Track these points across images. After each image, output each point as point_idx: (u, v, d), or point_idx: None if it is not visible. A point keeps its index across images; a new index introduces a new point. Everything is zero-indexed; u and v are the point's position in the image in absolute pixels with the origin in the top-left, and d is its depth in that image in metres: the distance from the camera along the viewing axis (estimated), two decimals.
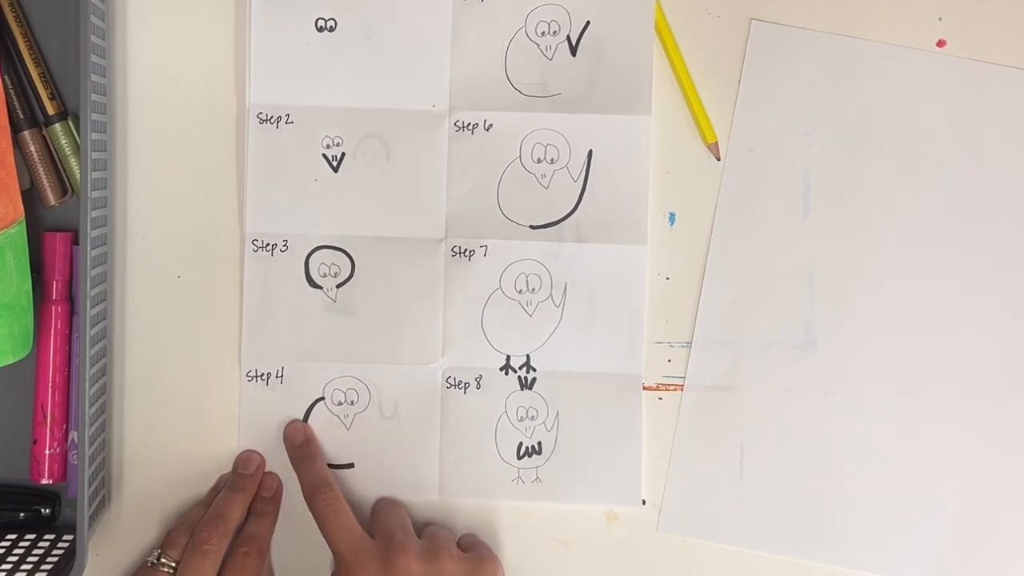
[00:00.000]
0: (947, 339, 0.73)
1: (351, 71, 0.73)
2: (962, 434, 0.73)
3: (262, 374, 0.74)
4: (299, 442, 0.73)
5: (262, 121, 0.73)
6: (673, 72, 0.73)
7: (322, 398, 0.74)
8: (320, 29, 0.73)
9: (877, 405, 0.73)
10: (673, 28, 0.73)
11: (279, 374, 0.74)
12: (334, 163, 0.73)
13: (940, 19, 0.74)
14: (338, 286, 0.74)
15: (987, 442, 0.73)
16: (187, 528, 0.69)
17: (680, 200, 0.74)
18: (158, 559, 0.68)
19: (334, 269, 0.74)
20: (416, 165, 0.73)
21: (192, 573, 0.67)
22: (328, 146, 0.73)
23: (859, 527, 0.73)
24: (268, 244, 0.73)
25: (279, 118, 0.73)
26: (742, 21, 0.74)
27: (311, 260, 0.74)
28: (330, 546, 0.69)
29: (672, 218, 0.74)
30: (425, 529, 0.72)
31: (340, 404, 0.74)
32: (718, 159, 0.74)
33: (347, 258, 0.74)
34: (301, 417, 0.74)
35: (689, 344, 0.74)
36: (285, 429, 0.73)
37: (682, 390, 0.74)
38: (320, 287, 0.74)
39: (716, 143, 0.73)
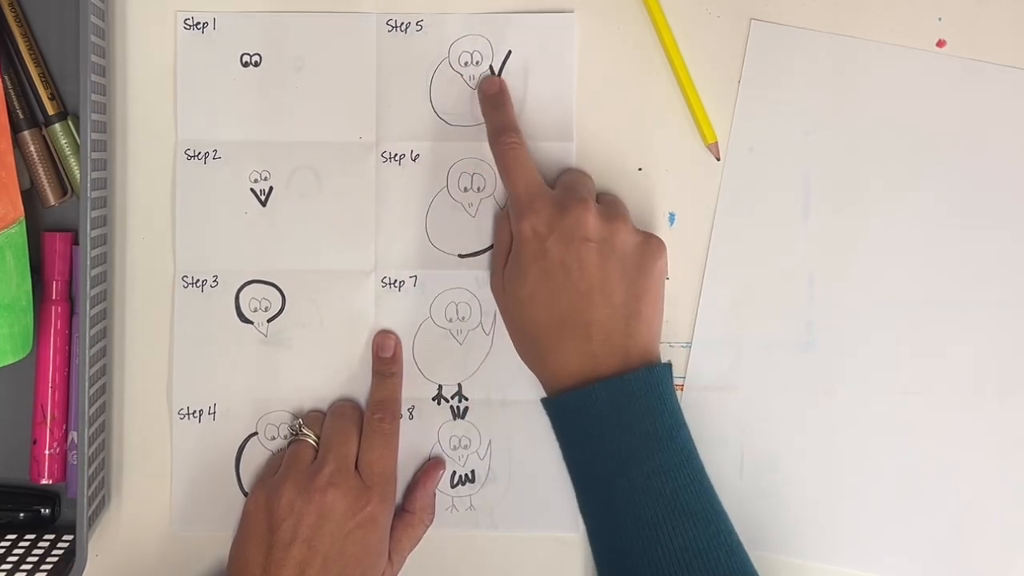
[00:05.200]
0: (947, 339, 0.73)
1: (277, 105, 0.73)
2: (962, 434, 0.73)
3: (194, 411, 0.73)
4: (494, 91, 0.73)
5: (190, 157, 0.73)
6: (673, 72, 0.73)
7: (255, 433, 0.74)
8: (245, 64, 0.73)
9: (877, 405, 0.73)
10: (673, 28, 0.73)
11: (211, 410, 0.73)
12: (262, 197, 0.73)
13: (940, 19, 0.74)
14: (269, 320, 0.74)
15: (988, 442, 0.73)
16: (321, 417, 0.73)
17: (680, 200, 0.74)
18: (300, 428, 0.72)
19: (264, 304, 0.74)
20: (345, 197, 0.73)
21: (377, 458, 0.70)
22: (256, 180, 0.73)
23: (859, 527, 0.73)
24: (198, 280, 0.73)
25: (206, 154, 0.73)
26: (742, 21, 0.74)
27: (241, 295, 0.74)
28: (508, 187, 0.71)
29: (672, 218, 0.74)
30: (600, 196, 0.72)
31: (274, 439, 0.74)
32: (718, 159, 0.74)
33: (278, 292, 0.74)
34: (234, 454, 0.73)
35: (689, 344, 0.74)
36: (481, 82, 0.73)
37: (682, 390, 0.74)
38: (251, 322, 0.74)
39: (716, 143, 0.73)
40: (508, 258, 0.71)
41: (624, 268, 0.68)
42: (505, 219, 0.72)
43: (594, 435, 0.67)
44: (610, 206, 0.71)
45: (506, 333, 0.73)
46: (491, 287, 0.73)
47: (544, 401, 0.70)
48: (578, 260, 0.67)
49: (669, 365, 0.69)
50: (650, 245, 0.69)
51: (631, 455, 0.66)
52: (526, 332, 0.70)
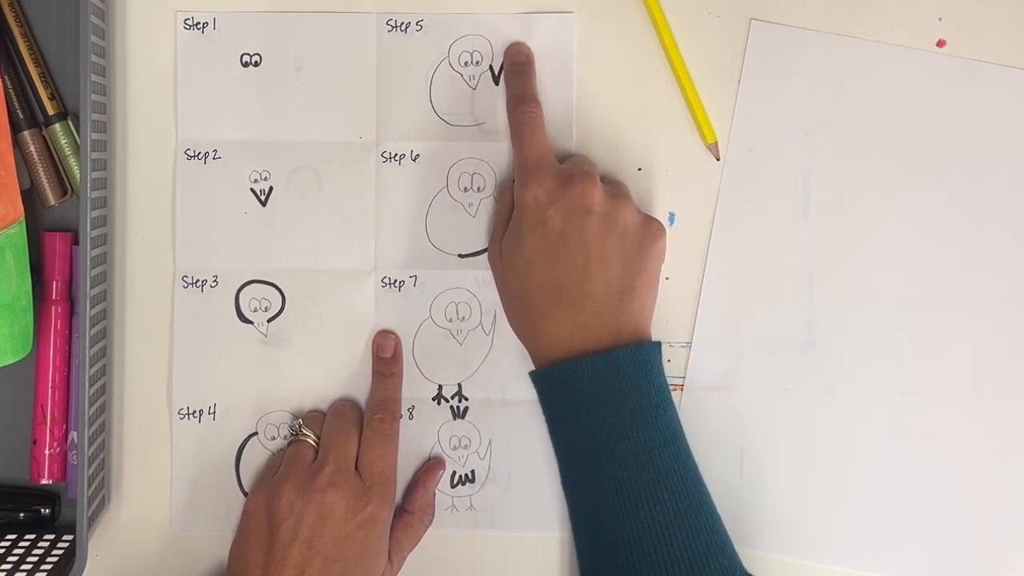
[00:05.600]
0: (947, 339, 0.73)
1: (277, 105, 0.73)
2: (962, 434, 0.73)
3: (194, 411, 0.73)
4: (521, 59, 0.73)
5: (190, 157, 0.73)
6: (673, 72, 0.73)
7: (255, 433, 0.74)
8: (245, 64, 0.73)
9: (877, 405, 0.73)
10: (673, 28, 0.73)
11: (211, 410, 0.73)
12: (262, 197, 0.73)
13: (940, 19, 0.74)
14: (269, 320, 0.74)
15: (988, 442, 0.73)
16: (321, 417, 0.73)
17: (680, 200, 0.74)
18: (300, 428, 0.72)
19: (264, 304, 0.74)
20: (344, 197, 0.73)
21: (377, 458, 0.70)
22: (255, 180, 0.73)
23: (859, 527, 0.73)
24: (198, 280, 0.73)
25: (206, 154, 0.73)
26: (742, 21, 0.74)
27: (241, 295, 0.74)
28: (517, 155, 0.71)
29: (672, 218, 0.74)
30: (604, 177, 0.72)
31: (274, 439, 0.74)
32: (718, 159, 0.74)
33: (277, 292, 0.74)
34: (234, 454, 0.73)
35: (689, 344, 0.74)
36: (509, 47, 0.73)
37: (682, 390, 0.74)
38: (251, 322, 0.74)
39: (716, 143, 0.73)
40: (508, 227, 0.71)
41: (623, 244, 0.68)
42: (508, 189, 0.72)
43: (580, 409, 0.67)
44: (615, 186, 0.71)
45: (506, 333, 0.73)
46: (488, 256, 0.73)
47: (532, 374, 0.70)
48: (579, 230, 0.67)
49: (659, 344, 0.69)
50: (651, 226, 0.70)
51: (616, 430, 0.66)
52: (520, 299, 0.70)
